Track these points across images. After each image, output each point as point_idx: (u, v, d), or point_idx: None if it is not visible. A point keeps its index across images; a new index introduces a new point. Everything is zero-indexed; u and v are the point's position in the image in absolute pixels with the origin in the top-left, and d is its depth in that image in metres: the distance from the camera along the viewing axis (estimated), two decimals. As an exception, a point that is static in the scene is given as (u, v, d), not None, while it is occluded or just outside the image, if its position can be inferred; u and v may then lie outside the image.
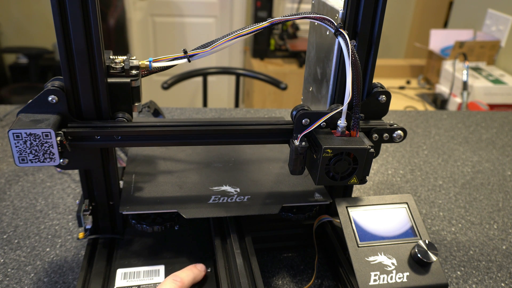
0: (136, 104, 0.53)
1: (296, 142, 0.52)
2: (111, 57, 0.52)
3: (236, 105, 2.02)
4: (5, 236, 0.67)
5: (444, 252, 0.69)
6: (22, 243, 0.66)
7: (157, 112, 0.74)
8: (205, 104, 1.94)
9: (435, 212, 0.79)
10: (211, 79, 2.01)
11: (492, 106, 1.73)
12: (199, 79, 1.88)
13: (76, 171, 0.84)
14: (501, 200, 0.83)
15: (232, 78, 2.47)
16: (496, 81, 1.77)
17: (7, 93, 2.53)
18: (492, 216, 0.78)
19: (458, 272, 0.65)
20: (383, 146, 1.01)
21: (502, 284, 0.63)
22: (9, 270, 0.60)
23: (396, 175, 0.90)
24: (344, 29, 0.50)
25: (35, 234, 0.67)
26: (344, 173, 0.52)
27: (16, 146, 0.47)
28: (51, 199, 0.76)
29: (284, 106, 2.54)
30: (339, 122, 0.52)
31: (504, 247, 0.71)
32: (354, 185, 0.64)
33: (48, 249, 0.65)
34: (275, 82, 1.87)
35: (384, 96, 0.56)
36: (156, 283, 0.54)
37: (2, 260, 0.62)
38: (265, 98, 2.59)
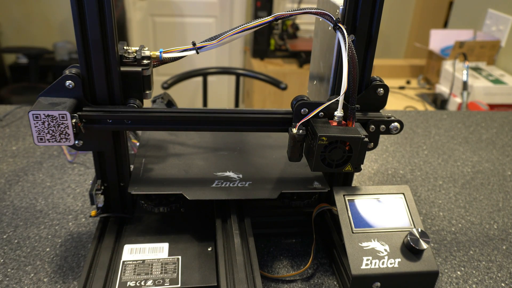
0: (147, 92, 0.58)
1: (294, 130, 0.55)
2: (124, 47, 0.56)
3: (236, 105, 2.03)
4: (5, 236, 0.67)
5: (444, 252, 0.69)
6: (22, 243, 0.66)
7: (170, 104, 0.77)
8: (205, 104, 1.94)
9: (435, 212, 0.79)
10: (211, 79, 2.01)
11: (492, 106, 1.73)
12: (199, 79, 1.88)
13: (77, 170, 0.84)
14: (501, 200, 0.83)
15: (232, 78, 2.47)
16: (496, 81, 1.77)
17: (7, 93, 2.53)
18: (492, 216, 0.78)
19: (458, 272, 0.65)
20: (383, 146, 1.01)
21: (502, 284, 0.63)
22: (9, 270, 0.60)
23: (396, 175, 0.90)
24: (342, 24, 0.53)
25: (35, 234, 0.67)
26: (339, 161, 0.54)
27: (35, 126, 0.51)
28: (51, 199, 0.76)
29: (284, 106, 2.54)
30: (336, 112, 0.55)
31: (504, 247, 0.71)
32: (354, 180, 0.64)
33: (48, 249, 0.65)
34: (275, 82, 1.87)
35: (382, 89, 0.59)
36: (160, 259, 0.58)
37: (2, 260, 0.62)
38: (265, 98, 2.59)
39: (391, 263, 0.55)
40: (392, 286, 0.56)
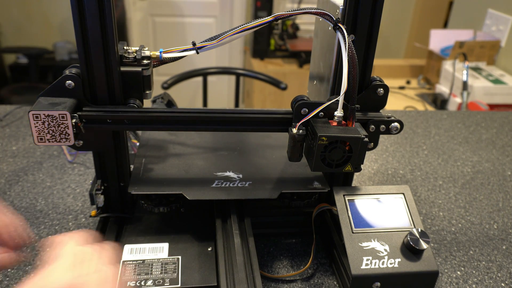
0: (147, 92, 0.58)
1: (294, 130, 0.55)
2: (124, 47, 0.56)
3: (236, 105, 2.03)
4: (5, 236, 0.67)
5: (444, 252, 0.69)
6: (22, 243, 0.66)
7: (170, 103, 0.77)
8: (205, 104, 1.94)
9: (435, 212, 0.79)
10: (211, 79, 2.01)
11: (492, 106, 1.73)
12: (199, 79, 1.88)
13: (77, 170, 0.84)
14: (501, 200, 0.83)
15: (232, 78, 2.48)
16: (496, 81, 1.77)
17: (7, 93, 2.53)
18: (492, 216, 0.78)
19: (458, 272, 0.65)
20: (383, 146, 1.01)
21: (502, 284, 0.63)
22: (9, 270, 0.60)
23: (396, 175, 0.90)
24: (342, 24, 0.53)
25: (35, 234, 0.67)
26: (339, 161, 0.54)
27: (35, 126, 0.51)
28: (51, 199, 0.76)
29: (284, 106, 2.54)
30: (336, 112, 0.55)
31: (504, 247, 0.71)
32: (354, 180, 0.64)
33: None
34: (275, 82, 1.87)
35: (382, 89, 0.59)
36: (160, 259, 0.58)
37: (2, 260, 0.62)
38: (265, 98, 2.59)
39: (391, 263, 0.55)
40: (392, 286, 0.56)
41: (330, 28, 0.56)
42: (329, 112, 0.56)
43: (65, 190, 0.78)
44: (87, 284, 0.39)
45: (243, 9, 2.86)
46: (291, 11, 0.53)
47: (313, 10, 0.53)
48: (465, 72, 1.72)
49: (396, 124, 0.59)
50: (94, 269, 0.41)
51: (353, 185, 0.66)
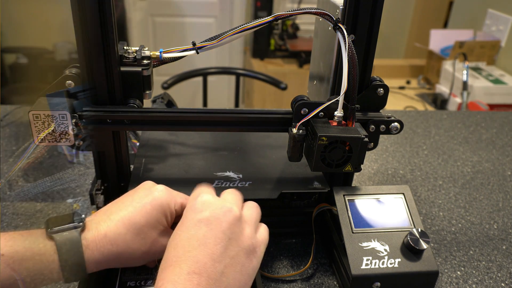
0: (147, 92, 0.58)
1: (294, 130, 0.55)
2: (124, 47, 0.56)
3: (236, 105, 2.03)
4: (5, 236, 0.67)
5: (444, 252, 0.69)
6: (22, 243, 0.65)
7: (170, 104, 0.77)
8: (205, 104, 1.94)
9: (435, 212, 0.79)
10: (211, 79, 2.02)
11: (492, 106, 1.73)
12: (199, 79, 1.88)
13: (77, 170, 0.84)
14: (501, 200, 0.83)
15: (232, 78, 2.48)
16: (496, 81, 1.77)
17: (7, 93, 2.53)
18: (492, 216, 0.78)
19: (458, 272, 0.65)
20: (383, 146, 1.01)
21: (502, 284, 0.63)
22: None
23: (396, 175, 0.90)
24: (342, 24, 0.53)
25: (35, 234, 0.67)
26: (339, 161, 0.54)
27: (35, 126, 0.51)
28: (51, 199, 0.76)
29: (284, 106, 2.54)
30: (336, 112, 0.55)
31: (504, 247, 0.71)
32: (354, 180, 0.64)
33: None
34: (275, 82, 1.87)
35: (382, 89, 0.58)
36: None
37: (2, 260, 0.62)
38: (265, 98, 2.60)
39: (391, 263, 0.55)
40: (392, 286, 0.56)
41: (330, 28, 0.56)
42: (329, 112, 0.56)
43: (65, 190, 0.78)
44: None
45: (243, 9, 2.86)
46: (291, 11, 0.53)
47: (313, 10, 0.53)
48: (465, 72, 1.72)
49: (396, 124, 0.59)
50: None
51: (353, 185, 0.66)
